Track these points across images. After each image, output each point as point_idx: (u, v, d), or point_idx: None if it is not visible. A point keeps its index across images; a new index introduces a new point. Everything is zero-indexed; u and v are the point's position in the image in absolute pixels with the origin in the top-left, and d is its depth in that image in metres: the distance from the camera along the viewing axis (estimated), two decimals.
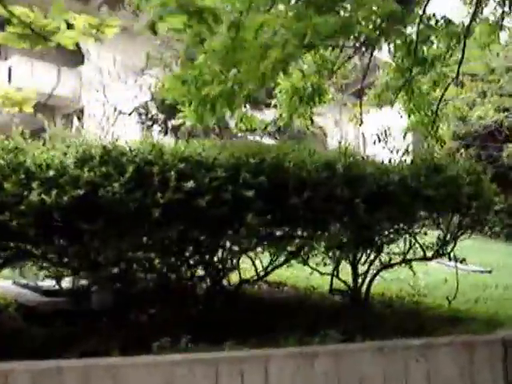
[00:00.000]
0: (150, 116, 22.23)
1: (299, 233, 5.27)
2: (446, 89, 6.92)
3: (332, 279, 6.60)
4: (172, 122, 22.51)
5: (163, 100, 23.28)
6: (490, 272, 10.88)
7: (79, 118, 26.10)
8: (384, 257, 6.65)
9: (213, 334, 4.94)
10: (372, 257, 6.16)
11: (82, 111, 26.08)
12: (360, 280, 6.40)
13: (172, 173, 4.55)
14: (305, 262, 6.11)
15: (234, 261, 5.50)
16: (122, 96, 24.73)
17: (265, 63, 4.20)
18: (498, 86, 14.24)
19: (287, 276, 7.59)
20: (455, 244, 6.69)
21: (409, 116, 7.41)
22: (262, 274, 6.04)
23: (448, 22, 5.96)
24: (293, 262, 5.92)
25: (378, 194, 5.13)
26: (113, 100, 24.69)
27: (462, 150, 16.75)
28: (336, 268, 6.35)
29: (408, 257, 6.73)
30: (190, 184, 4.52)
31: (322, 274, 6.37)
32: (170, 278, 5.10)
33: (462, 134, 16.86)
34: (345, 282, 6.49)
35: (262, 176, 4.86)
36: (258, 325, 5.44)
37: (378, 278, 7.53)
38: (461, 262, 6.81)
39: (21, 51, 25.06)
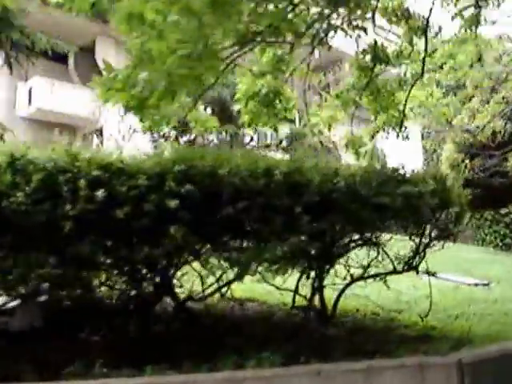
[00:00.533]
0: (161, 133, 21.93)
1: (237, 245, 4.68)
2: (411, 87, 6.30)
3: (294, 295, 6.00)
4: (184, 139, 22.26)
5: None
6: (487, 285, 10.10)
7: (98, 137, 26.06)
8: (353, 270, 6.06)
9: (143, 356, 4.43)
10: (326, 270, 5.53)
11: (100, 131, 26.01)
12: (318, 294, 5.78)
13: (82, 181, 4.03)
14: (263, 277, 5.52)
15: (173, 275, 4.95)
16: None
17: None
18: (501, 95, 13.44)
19: (259, 292, 7.01)
20: (424, 256, 6.06)
21: (375, 117, 6.80)
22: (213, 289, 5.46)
23: (408, 14, 5.37)
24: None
25: (322, 203, 4.54)
26: (128, 119, 24.48)
27: (467, 161, 15.95)
28: (297, 283, 5.75)
29: (378, 270, 6.14)
30: (101, 193, 4.00)
31: (279, 289, 5.77)
32: (96, 297, 4.57)
33: (466, 145, 16.06)
34: (305, 298, 5.88)
35: (190, 184, 4.32)
36: (201, 345, 4.92)
37: (358, 292, 6.97)
38: (433, 275, 6.15)
39: (42, 72, 25.12)
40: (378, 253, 6.04)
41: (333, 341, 5.22)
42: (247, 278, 5.39)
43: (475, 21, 6.57)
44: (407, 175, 5.37)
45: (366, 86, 5.99)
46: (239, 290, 6.17)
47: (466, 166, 15.98)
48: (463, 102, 15.55)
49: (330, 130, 6.79)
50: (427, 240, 6.02)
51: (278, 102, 5.97)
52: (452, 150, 16.36)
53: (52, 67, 25.68)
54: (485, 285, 10.06)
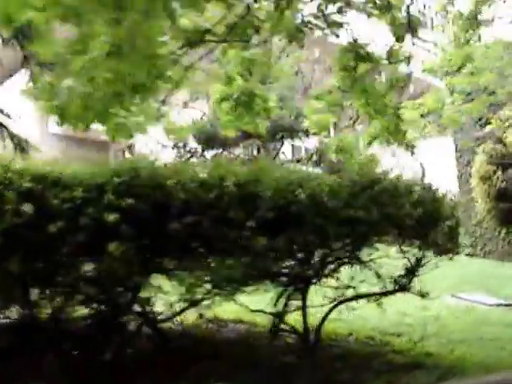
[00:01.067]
0: (188, 149, 21.80)
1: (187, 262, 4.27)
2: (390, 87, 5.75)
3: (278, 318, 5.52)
4: (209, 154, 22.04)
5: (202, 132, 22.95)
6: (510, 305, 9.36)
7: (130, 153, 26.12)
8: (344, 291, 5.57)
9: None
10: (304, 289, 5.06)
11: (131, 147, 26.06)
12: (301, 316, 5.31)
13: (10, 193, 3.72)
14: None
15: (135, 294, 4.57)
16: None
17: None
18: None
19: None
20: (414, 275, 5.53)
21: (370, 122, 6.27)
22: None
23: (389, 5, 4.90)
24: None
25: (279, 217, 4.09)
26: (157, 134, 24.49)
27: (499, 173, 15.10)
28: (275, 304, 5.29)
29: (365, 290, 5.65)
30: (28, 207, 3.67)
31: (252, 310, 5.32)
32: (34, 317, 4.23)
33: (498, 156, 15.22)
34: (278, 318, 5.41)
35: (134, 197, 3.96)
36: (166, 371, 4.55)
37: (355, 313, 6.48)
38: (422, 296, 5.59)
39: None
40: (371, 271, 5.57)
41: (304, 369, 4.74)
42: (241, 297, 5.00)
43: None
44: (388, 185, 4.86)
45: (350, 88, 5.50)
46: (230, 309, 5.77)
47: (498, 178, 15.15)
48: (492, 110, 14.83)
49: (320, 133, 6.29)
50: (420, 256, 5.49)
51: (255, 103, 5.55)
52: (483, 161, 15.54)
53: None
54: (508, 305, 9.33)
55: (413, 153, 6.76)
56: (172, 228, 4.00)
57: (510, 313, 8.18)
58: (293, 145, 28.85)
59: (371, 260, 5.50)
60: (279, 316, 5.14)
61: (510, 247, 17.99)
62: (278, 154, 24.70)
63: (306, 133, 24.62)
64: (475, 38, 6.97)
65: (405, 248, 5.66)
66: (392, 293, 5.54)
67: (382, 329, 6.62)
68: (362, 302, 5.76)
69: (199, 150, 21.60)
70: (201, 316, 5.69)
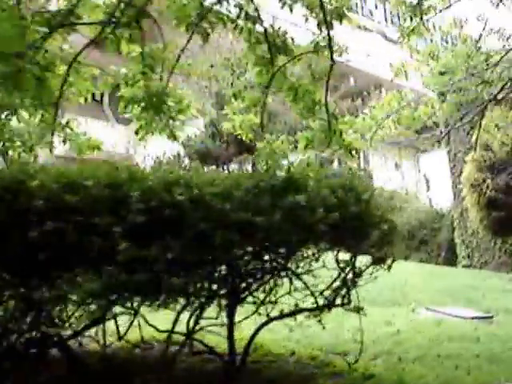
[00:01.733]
0: (181, 165, 21.35)
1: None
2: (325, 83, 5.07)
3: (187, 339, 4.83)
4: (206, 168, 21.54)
5: (194, 149, 22.48)
6: (490, 318, 8.55)
7: None
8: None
9: None
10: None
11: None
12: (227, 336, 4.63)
13: None
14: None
15: None
16: (163, 147, 24.14)
17: None
18: None
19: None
20: (348, 289, 4.82)
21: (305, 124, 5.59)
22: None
23: None
24: None
25: (152, 221, 3.43)
26: (155, 152, 24.06)
27: (489, 181, 14.27)
28: (188, 323, 4.61)
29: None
30: None
31: (159, 330, 4.65)
32: None
33: (487, 163, 14.40)
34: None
35: None
36: None
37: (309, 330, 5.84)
38: (357, 312, 4.88)
39: (76, 110, 25.16)
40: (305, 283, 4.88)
41: None
42: None
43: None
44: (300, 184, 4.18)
45: (269, 83, 4.84)
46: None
47: (487, 187, 14.31)
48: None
49: (247, 137, 5.61)
50: (352, 266, 4.79)
51: (167, 104, 4.91)
52: (472, 169, 14.74)
53: (87, 105, 25.71)
54: (487, 318, 8.53)
55: (354, 157, 6.08)
56: (31, 236, 3.37)
57: (481, 326, 7.38)
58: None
59: (309, 271, 4.84)
60: (188, 336, 4.47)
61: (507, 257, 17.08)
62: None
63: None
64: (420, 28, 6.30)
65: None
66: (321, 309, 4.83)
67: (330, 347, 5.91)
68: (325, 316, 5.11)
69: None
70: (120, 338, 5.04)
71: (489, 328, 7.37)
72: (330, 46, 4.67)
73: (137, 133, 5.14)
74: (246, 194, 3.79)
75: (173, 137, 5.24)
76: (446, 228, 19.15)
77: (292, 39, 4.59)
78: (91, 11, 4.01)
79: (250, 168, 23.39)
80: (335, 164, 25.79)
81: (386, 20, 33.07)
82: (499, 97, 7.38)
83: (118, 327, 4.95)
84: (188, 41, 4.42)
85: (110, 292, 3.41)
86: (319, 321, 5.06)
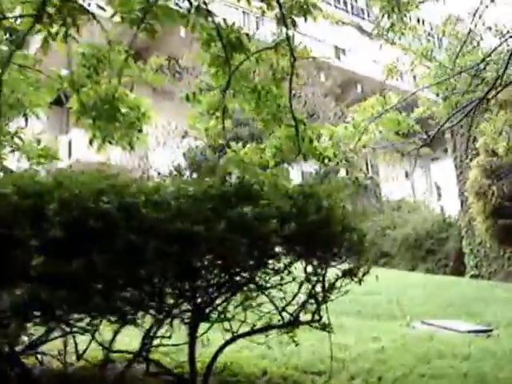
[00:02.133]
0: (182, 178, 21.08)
1: None
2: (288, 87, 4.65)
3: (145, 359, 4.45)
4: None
5: (194, 161, 22.19)
6: (489, 331, 8.06)
7: None
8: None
9: None
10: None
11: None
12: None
13: None
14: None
15: None
16: (165, 160, 23.94)
17: None
18: None
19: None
20: (318, 304, 4.40)
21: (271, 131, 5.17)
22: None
23: None
24: None
25: (75, 233, 3.07)
26: (156, 164, 23.87)
27: (495, 188, 13.74)
28: (114, 338, 4.21)
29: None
30: None
31: (109, 350, 4.27)
32: None
33: (492, 168, 13.88)
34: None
35: None
36: None
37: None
38: (323, 329, 4.46)
39: (80, 126, 25.10)
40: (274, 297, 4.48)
41: None
42: None
43: None
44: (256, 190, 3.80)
45: (227, 85, 4.42)
46: None
47: (493, 194, 13.78)
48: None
49: (216, 144, 5.22)
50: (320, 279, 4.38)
51: (121, 111, 4.53)
52: (477, 175, 14.22)
53: None
54: (485, 331, 8.04)
55: (324, 164, 5.67)
56: None
57: (477, 341, 6.90)
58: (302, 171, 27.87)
59: (281, 285, 4.45)
60: (139, 355, 4.09)
61: None
62: None
63: (304, 157, 23.56)
64: (400, 25, 5.90)
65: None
66: (287, 326, 4.41)
67: (307, 366, 5.48)
68: (306, 332, 4.71)
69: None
70: (79, 357, 4.68)
71: (484, 343, 6.88)
72: (289, 42, 4.29)
73: (91, 143, 4.76)
74: (186, 203, 3.42)
75: (130, 147, 4.85)
76: (454, 237, 18.60)
77: (247, 35, 4.19)
78: (21, 6, 3.67)
79: None
80: (341, 174, 25.35)
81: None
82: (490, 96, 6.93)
83: (76, 346, 4.60)
84: (133, 39, 4.07)
85: (29, 308, 3.06)
86: (292, 338, 4.65)
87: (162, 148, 24.51)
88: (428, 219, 20.33)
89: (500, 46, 6.70)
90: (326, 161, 5.53)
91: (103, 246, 3.11)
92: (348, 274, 4.42)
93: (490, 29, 7.11)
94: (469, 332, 7.68)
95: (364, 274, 4.54)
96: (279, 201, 3.90)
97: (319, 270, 4.31)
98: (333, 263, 4.50)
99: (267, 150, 5.35)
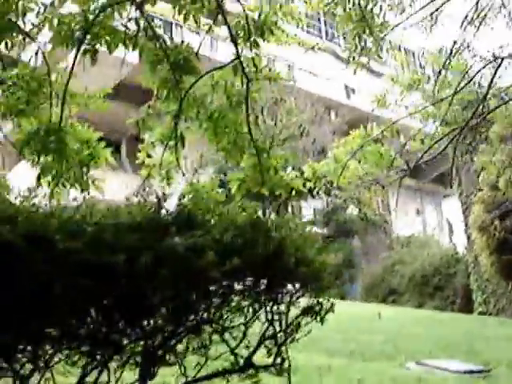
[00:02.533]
0: None
1: None
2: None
3: None
4: None
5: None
6: (487, 372, 7.48)
7: None
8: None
9: None
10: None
11: None
12: None
13: None
14: None
15: None
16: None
17: None
18: None
19: None
20: (279, 346, 3.97)
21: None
22: None
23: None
24: None
25: None
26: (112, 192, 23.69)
27: (497, 222, 13.21)
28: None
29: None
30: None
31: None
32: None
33: (495, 203, 13.36)
34: None
35: None
36: None
37: None
38: (279, 374, 4.01)
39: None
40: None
41: None
42: None
43: None
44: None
45: (179, 111, 4.09)
46: None
47: (496, 228, 13.23)
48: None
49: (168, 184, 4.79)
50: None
51: (67, 144, 4.13)
52: (480, 210, 13.71)
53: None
54: (483, 372, 7.46)
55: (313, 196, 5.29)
56: None
57: (471, 383, 6.36)
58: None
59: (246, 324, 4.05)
60: None
61: None
62: (282, 215, 23.15)
63: (311, 193, 23.27)
64: (375, 49, 5.57)
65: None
66: (240, 370, 3.98)
67: None
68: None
69: None
70: None
71: None
72: (240, 63, 3.98)
73: (39, 181, 4.30)
74: (108, 231, 3.06)
75: (86, 188, 4.42)
76: (462, 273, 17.97)
77: (196, 54, 3.87)
78: None
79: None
80: (350, 210, 24.86)
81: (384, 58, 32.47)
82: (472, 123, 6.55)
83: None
84: (74, 62, 3.77)
85: None
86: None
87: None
88: (436, 255, 19.74)
89: (479, 72, 6.37)
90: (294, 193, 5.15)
91: (7, 280, 2.76)
92: (308, 311, 4.00)
93: (477, 56, 6.79)
94: (464, 372, 7.12)
95: (326, 312, 4.12)
96: (224, 231, 3.54)
97: (275, 308, 3.91)
98: (290, 299, 4.10)
99: (230, 182, 4.99)
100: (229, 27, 3.78)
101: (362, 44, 5.36)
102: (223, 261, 3.33)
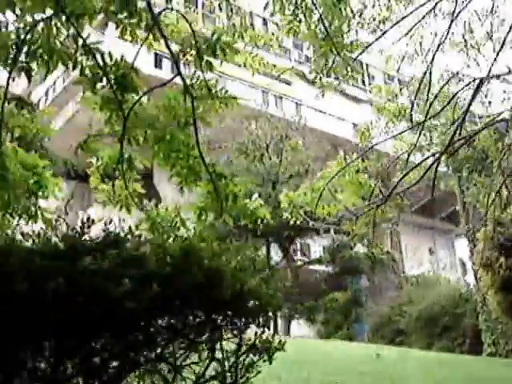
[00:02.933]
0: None
1: None
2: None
3: None
4: None
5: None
6: None
7: None
8: None
9: None
10: None
11: None
12: None
13: None
14: None
15: None
16: None
17: None
18: None
19: None
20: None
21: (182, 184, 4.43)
22: None
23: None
24: None
25: None
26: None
27: (502, 259, 12.63)
28: None
29: None
30: None
31: None
32: None
33: (500, 240, 12.81)
34: None
35: None
36: None
37: None
38: None
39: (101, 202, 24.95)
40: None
41: None
42: None
43: None
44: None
45: (123, 132, 3.80)
46: None
47: (500, 266, 12.64)
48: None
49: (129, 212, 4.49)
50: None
51: (16, 173, 3.84)
52: (484, 246, 13.15)
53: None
54: None
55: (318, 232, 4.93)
56: None
57: None
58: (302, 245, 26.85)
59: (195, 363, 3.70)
60: None
61: None
62: (288, 252, 22.75)
63: (317, 231, 22.84)
64: (344, 69, 5.28)
65: None
66: None
67: None
68: None
69: None
70: None
71: None
72: (183, 80, 3.71)
73: None
74: (17, 258, 2.78)
75: (34, 219, 4.15)
76: (470, 312, 17.26)
77: (136, 70, 3.61)
78: None
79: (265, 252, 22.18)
80: (357, 248, 24.26)
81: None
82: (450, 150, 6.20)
83: None
84: (8, 79, 3.55)
85: None
86: None
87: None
88: (445, 294, 19.08)
89: (455, 96, 6.07)
90: (259, 222, 4.83)
91: None
92: (254, 349, 3.65)
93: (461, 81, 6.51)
94: None
95: (276, 350, 3.76)
96: (152, 260, 3.24)
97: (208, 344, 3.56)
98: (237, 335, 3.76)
99: (193, 210, 4.69)
100: (166, 42, 3.55)
101: (330, 64, 5.10)
102: (144, 289, 3.03)
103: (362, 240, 21.55)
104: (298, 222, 6.84)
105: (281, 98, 29.91)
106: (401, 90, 7.21)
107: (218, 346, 3.65)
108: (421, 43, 6.43)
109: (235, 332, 3.47)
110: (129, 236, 3.39)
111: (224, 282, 3.35)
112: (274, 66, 5.96)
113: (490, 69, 5.58)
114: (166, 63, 24.02)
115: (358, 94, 31.57)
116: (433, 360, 12.19)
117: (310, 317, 21.48)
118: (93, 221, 3.28)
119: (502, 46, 5.58)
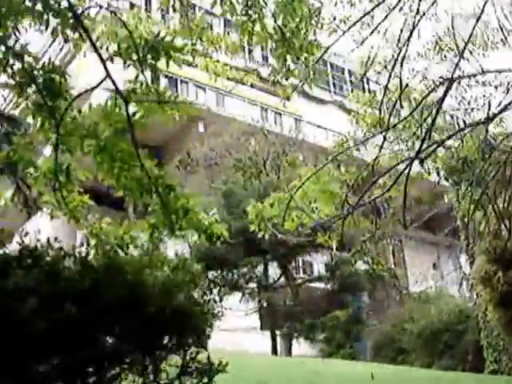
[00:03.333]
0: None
1: None
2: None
3: None
4: (211, 273, 20.17)
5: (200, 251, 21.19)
6: None
7: None
8: None
9: None
10: None
11: None
12: None
13: None
14: None
15: None
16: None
17: None
18: None
19: None
20: None
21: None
22: None
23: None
24: None
25: None
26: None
27: (500, 273, 12.20)
28: None
29: None
30: None
31: None
32: None
33: (498, 253, 12.39)
34: None
35: None
36: None
37: None
38: None
39: (100, 211, 24.70)
40: None
41: None
42: None
43: None
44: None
45: (57, 141, 3.52)
46: None
47: (499, 281, 12.21)
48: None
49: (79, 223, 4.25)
50: None
51: None
52: (483, 261, 12.74)
53: (110, 213, 25.39)
54: None
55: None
56: None
57: None
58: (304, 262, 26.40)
59: None
60: None
61: None
62: (287, 270, 22.32)
63: (316, 248, 22.40)
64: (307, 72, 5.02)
65: None
66: None
67: None
68: None
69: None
70: None
71: None
72: (113, 82, 3.47)
73: None
74: None
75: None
76: (472, 329, 16.79)
77: (64, 75, 3.36)
78: None
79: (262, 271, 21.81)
80: (359, 265, 23.80)
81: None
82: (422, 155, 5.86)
83: None
84: None
85: None
86: None
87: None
88: (446, 311, 18.62)
89: (425, 98, 5.80)
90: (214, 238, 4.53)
91: None
92: (190, 370, 3.35)
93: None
94: None
95: (217, 372, 3.45)
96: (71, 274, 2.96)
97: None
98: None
99: (146, 227, 4.41)
100: (92, 43, 3.30)
101: (287, 66, 4.85)
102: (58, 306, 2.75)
103: (363, 256, 21.18)
104: (267, 237, 6.54)
105: (280, 114, 29.70)
106: (382, 98, 6.91)
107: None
108: (398, 45, 6.18)
109: (163, 353, 3.18)
110: (49, 250, 3.12)
111: (149, 297, 3.07)
112: (232, 67, 5.66)
113: (455, 68, 5.31)
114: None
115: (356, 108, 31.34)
116: (430, 379, 11.77)
117: (309, 335, 21.00)
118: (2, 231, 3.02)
119: (466, 44, 5.34)
